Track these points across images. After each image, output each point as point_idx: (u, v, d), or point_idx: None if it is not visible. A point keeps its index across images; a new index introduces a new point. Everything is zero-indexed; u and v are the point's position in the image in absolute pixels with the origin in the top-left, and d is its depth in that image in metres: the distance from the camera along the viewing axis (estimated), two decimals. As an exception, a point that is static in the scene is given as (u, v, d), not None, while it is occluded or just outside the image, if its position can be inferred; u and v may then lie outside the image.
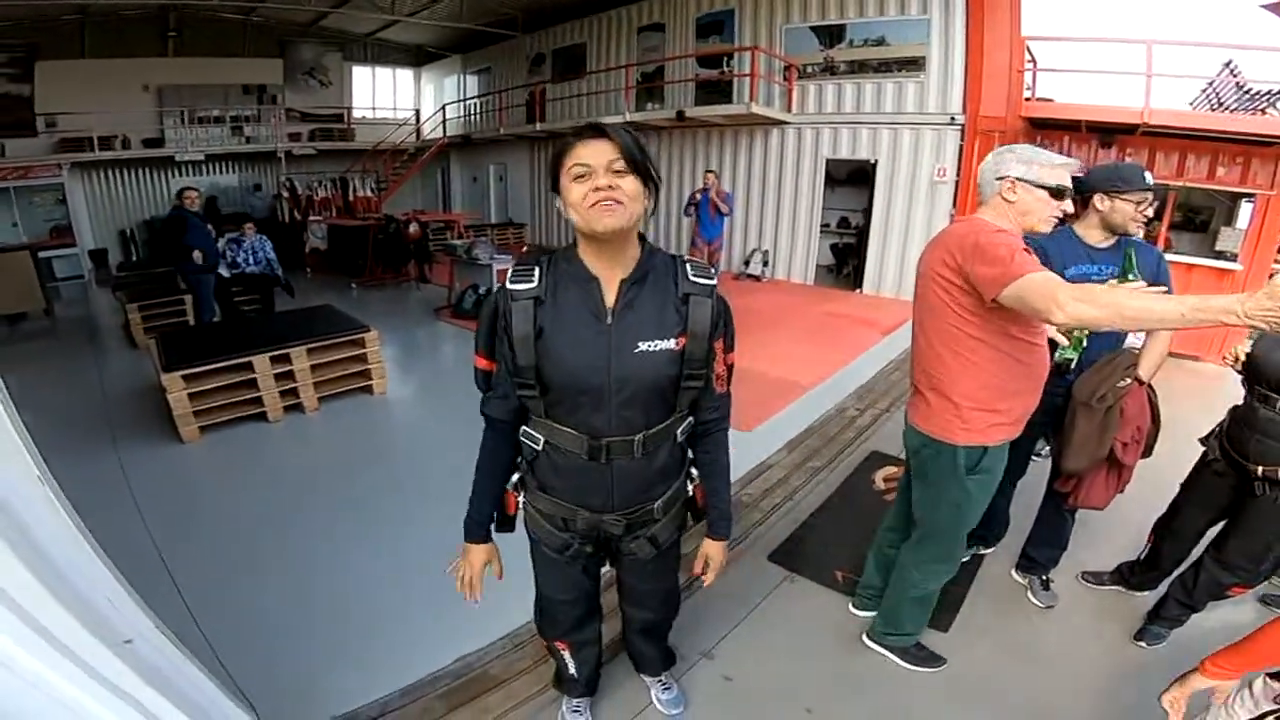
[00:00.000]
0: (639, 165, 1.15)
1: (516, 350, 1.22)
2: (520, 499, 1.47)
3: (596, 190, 1.12)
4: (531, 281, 1.22)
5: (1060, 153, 1.78)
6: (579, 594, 1.63)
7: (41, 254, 8.47)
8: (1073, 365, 2.14)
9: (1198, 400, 4.34)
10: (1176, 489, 2.33)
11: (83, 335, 7.10)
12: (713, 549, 1.56)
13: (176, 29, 11.74)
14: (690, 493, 1.51)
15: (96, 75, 11.08)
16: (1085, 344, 2.15)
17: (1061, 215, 1.72)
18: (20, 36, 10.51)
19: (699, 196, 7.50)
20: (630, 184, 1.14)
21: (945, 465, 1.81)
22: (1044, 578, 2.55)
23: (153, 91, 11.89)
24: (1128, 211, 2.05)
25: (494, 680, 2.09)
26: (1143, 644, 2.29)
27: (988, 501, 1.90)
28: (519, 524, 1.52)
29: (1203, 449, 2.21)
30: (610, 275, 1.23)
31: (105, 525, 1.30)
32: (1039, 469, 2.53)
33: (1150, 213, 1.98)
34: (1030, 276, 1.43)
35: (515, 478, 1.46)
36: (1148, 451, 2.26)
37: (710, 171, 7.87)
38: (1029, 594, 2.55)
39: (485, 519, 1.47)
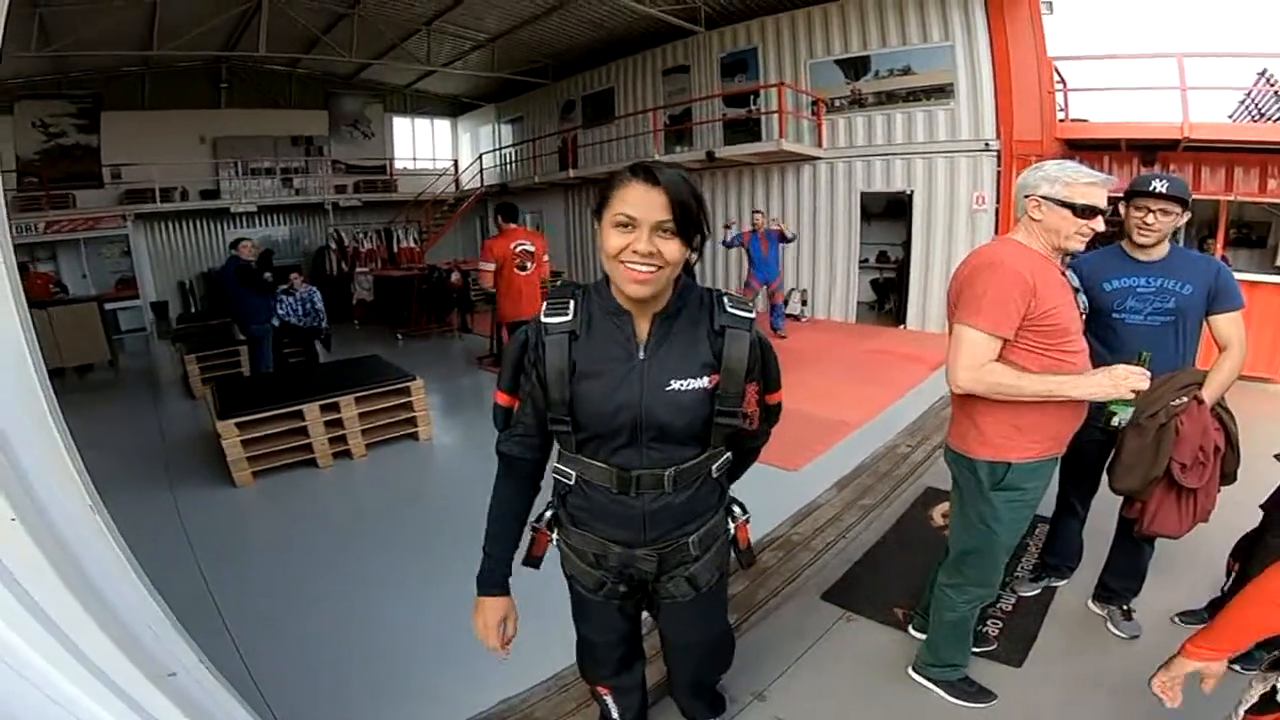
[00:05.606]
0: (686, 228, 1.07)
1: (550, 386, 1.17)
2: (553, 537, 1.42)
3: (634, 253, 1.05)
4: (566, 315, 1.17)
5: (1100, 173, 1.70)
6: (618, 635, 1.55)
7: (107, 306, 8.88)
8: (1120, 423, 1.78)
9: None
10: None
11: (144, 385, 7.42)
12: None
13: (228, 81, 12.43)
14: (732, 532, 1.43)
15: (156, 126, 11.64)
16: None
17: (1091, 233, 1.65)
18: (88, 87, 11.09)
19: (748, 238, 7.30)
20: (673, 248, 1.07)
21: (970, 480, 1.82)
22: (1125, 608, 2.37)
23: (208, 143, 12.52)
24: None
25: (538, 724, 2.02)
26: (1236, 668, 2.09)
27: (1023, 523, 1.83)
28: (556, 564, 1.46)
29: None
30: (643, 310, 1.18)
31: (159, 561, 1.31)
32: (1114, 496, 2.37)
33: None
34: (968, 331, 1.62)
35: (549, 514, 1.40)
36: (1228, 479, 2.09)
37: (757, 211, 7.78)
38: (1109, 625, 2.37)
39: (504, 568, 1.35)
